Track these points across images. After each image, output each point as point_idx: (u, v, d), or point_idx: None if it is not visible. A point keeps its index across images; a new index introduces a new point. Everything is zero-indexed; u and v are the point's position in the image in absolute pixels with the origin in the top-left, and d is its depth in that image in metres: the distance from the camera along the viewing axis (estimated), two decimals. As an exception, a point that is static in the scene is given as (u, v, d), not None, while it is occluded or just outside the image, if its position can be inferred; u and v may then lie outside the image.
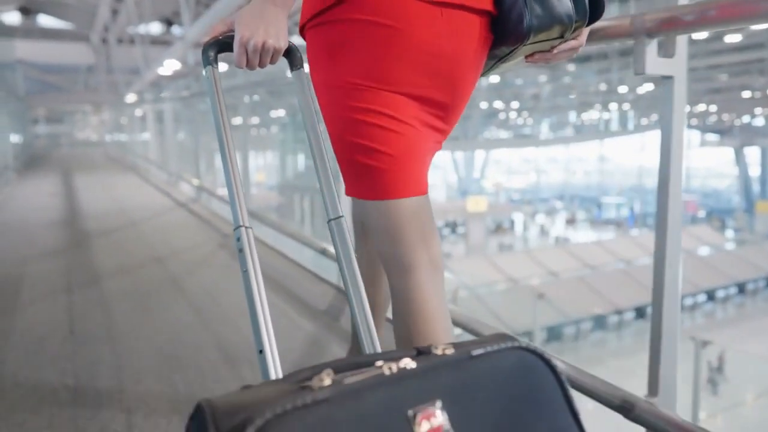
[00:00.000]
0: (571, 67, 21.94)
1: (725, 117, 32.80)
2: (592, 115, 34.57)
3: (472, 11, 0.96)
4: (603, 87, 25.48)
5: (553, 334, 17.34)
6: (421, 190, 1.01)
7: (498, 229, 30.35)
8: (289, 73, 1.07)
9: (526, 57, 1.07)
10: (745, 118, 32.67)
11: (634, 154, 38.63)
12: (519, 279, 20.16)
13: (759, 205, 29.40)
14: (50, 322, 2.29)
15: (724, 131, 35.05)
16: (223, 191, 5.26)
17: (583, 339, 17.87)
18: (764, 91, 24.10)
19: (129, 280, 2.97)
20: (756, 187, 34.02)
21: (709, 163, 38.82)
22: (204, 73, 0.99)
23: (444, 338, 0.97)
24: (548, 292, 17.65)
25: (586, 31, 1.05)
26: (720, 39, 15.91)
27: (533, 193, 39.22)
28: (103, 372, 1.81)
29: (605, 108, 30.99)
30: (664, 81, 1.12)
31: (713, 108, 30.41)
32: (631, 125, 33.68)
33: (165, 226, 4.71)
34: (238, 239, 0.87)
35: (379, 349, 0.90)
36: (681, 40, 1.10)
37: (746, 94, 24.97)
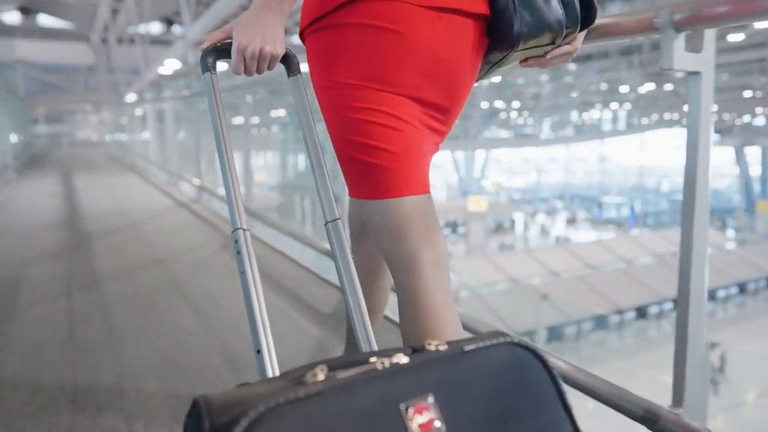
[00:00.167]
0: (572, 66, 21.89)
1: (726, 116, 32.75)
2: (592, 114, 34.53)
3: (469, 15, 0.98)
4: (604, 86, 25.45)
5: (554, 333, 17.31)
6: (424, 188, 1.01)
7: (498, 228, 30.31)
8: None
9: (521, 61, 1.08)
10: (746, 118, 32.63)
11: (635, 154, 38.58)
12: (520, 279, 20.12)
13: (760, 205, 29.34)
14: (49, 326, 2.26)
15: (724, 131, 35.00)
16: (224, 191, 5.19)
17: (584, 339, 17.83)
18: (765, 90, 24.07)
19: (130, 283, 2.93)
20: (757, 187, 33.97)
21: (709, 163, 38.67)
22: (203, 79, 1.01)
23: (452, 332, 0.97)
24: (549, 291, 17.63)
25: (581, 35, 1.06)
26: (722, 38, 15.87)
27: (533, 193, 39.17)
28: (104, 378, 1.78)
29: (606, 107, 30.95)
30: (690, 77, 1.07)
31: (714, 107, 30.33)
32: (632, 125, 33.66)
33: (166, 227, 4.66)
34: (236, 241, 0.89)
35: (375, 349, 0.91)
36: (708, 34, 1.05)
37: (747, 93, 24.92)
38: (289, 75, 1.05)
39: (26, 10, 21.42)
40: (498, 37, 1.00)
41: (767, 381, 14.80)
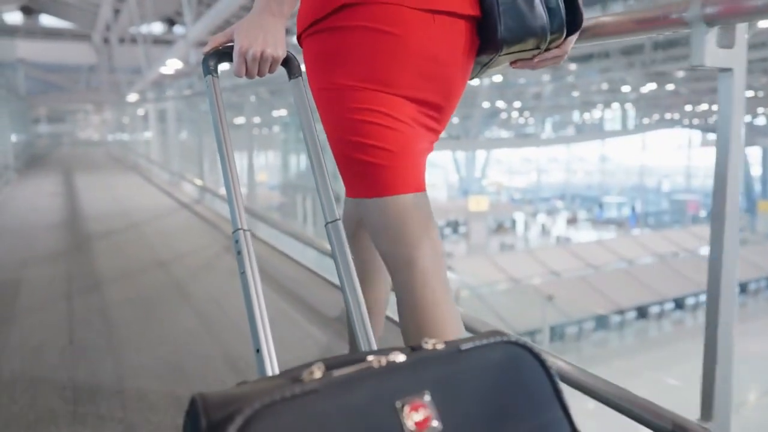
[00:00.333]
0: (573, 66, 21.86)
1: (727, 116, 32.67)
2: (594, 114, 34.49)
3: (461, 17, 1.00)
4: (605, 86, 25.41)
5: (556, 333, 17.28)
6: (420, 186, 1.03)
7: (499, 228, 30.28)
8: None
9: (510, 63, 1.10)
10: (747, 118, 32.56)
11: (636, 154, 38.54)
12: (521, 279, 20.09)
13: (760, 205, 29.30)
14: (49, 331, 2.21)
15: (726, 131, 34.92)
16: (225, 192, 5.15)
17: (585, 339, 17.80)
18: (766, 90, 24.02)
19: (131, 286, 2.88)
20: (757, 187, 33.92)
21: (709, 163, 38.62)
22: (205, 82, 1.02)
23: (452, 328, 0.98)
24: (550, 291, 17.60)
25: (570, 39, 1.07)
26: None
27: (534, 193, 39.15)
28: (104, 385, 1.73)
29: (607, 107, 30.91)
30: (721, 75, 1.02)
31: (715, 107, 30.31)
32: (633, 125, 33.59)
33: (168, 229, 4.61)
34: (236, 242, 0.90)
35: (375, 348, 0.91)
36: (740, 29, 1.00)
37: (748, 93, 24.86)
38: (290, 77, 1.06)
39: (28, 10, 21.42)
40: (485, 40, 1.03)
41: (768, 381, 14.78)
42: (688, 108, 30.90)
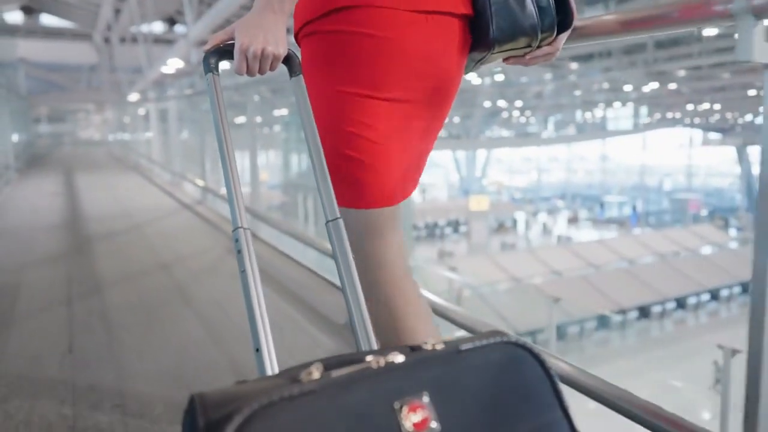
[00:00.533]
0: (574, 65, 21.81)
1: (728, 115, 32.65)
2: (595, 113, 34.44)
3: (454, 16, 1.02)
4: (606, 85, 25.35)
5: (557, 333, 17.25)
6: (389, 201, 1.07)
7: (500, 228, 30.24)
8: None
9: (503, 59, 1.13)
10: (748, 117, 32.53)
11: (637, 153, 38.49)
12: (522, 278, 20.05)
13: (763, 204, 29.23)
14: (48, 338, 2.15)
15: (726, 130, 34.91)
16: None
17: (587, 338, 17.77)
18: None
19: (132, 290, 2.83)
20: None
21: (711, 162, 38.67)
22: (205, 80, 1.02)
23: (426, 324, 1.03)
24: (551, 291, 17.56)
25: (561, 37, 1.09)
26: (729, 36, 15.77)
27: (535, 192, 39.11)
28: (105, 398, 1.66)
29: (609, 106, 30.85)
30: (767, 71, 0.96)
31: (717, 106, 30.27)
32: (642, 123, 33.49)
33: (170, 230, 4.56)
34: (236, 240, 0.89)
35: (375, 347, 0.91)
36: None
37: (752, 92, 24.80)
38: (291, 75, 1.05)
39: (29, 10, 21.38)
40: (477, 38, 1.05)
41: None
42: (690, 107, 30.81)
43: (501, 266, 20.95)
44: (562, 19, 1.06)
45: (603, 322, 18.20)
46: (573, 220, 32.87)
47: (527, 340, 0.62)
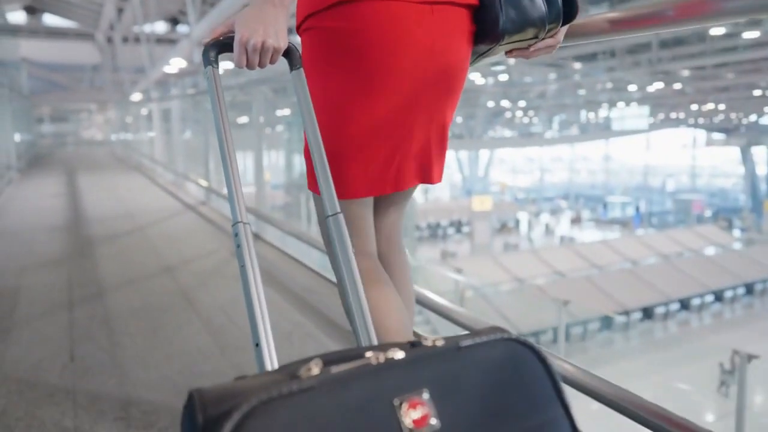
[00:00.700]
0: (578, 65, 21.74)
1: (732, 116, 32.53)
2: (598, 113, 34.34)
3: (460, 6, 1.03)
4: (609, 85, 25.26)
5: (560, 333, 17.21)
6: (361, 194, 1.10)
7: (503, 228, 30.19)
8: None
9: (506, 52, 1.14)
10: (752, 117, 32.42)
11: (640, 153, 38.39)
12: (525, 279, 20.00)
13: (766, 205, 29.15)
14: (48, 346, 2.09)
15: (730, 130, 34.80)
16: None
17: (590, 339, 17.72)
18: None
19: (136, 294, 2.77)
20: (763, 187, 33.75)
21: (714, 162, 38.56)
22: (205, 73, 1.01)
23: (396, 322, 1.05)
24: (554, 291, 17.51)
25: (563, 29, 1.10)
26: (736, 36, 15.69)
27: (538, 193, 39.04)
28: (108, 410, 1.61)
29: (613, 106, 30.75)
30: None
31: (722, 107, 30.16)
32: (640, 124, 33.39)
33: (173, 232, 4.52)
34: (236, 235, 0.89)
35: (375, 343, 0.91)
36: None
37: (757, 92, 24.70)
38: (291, 69, 1.05)
39: (32, 10, 21.40)
40: (484, 31, 1.05)
41: (775, 383, 14.65)
42: (694, 107, 30.71)
43: (504, 267, 20.91)
44: (567, 11, 1.07)
45: (606, 323, 18.16)
46: (576, 221, 32.81)
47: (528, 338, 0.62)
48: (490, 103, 29.21)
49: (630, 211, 34.67)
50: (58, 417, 1.57)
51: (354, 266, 0.95)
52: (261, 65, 0.97)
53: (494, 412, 0.57)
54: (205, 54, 1.00)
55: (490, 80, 23.51)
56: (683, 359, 15.19)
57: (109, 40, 21.83)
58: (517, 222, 31.73)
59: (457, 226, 29.05)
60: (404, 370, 0.55)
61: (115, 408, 1.62)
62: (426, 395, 0.54)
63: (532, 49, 1.11)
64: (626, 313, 18.36)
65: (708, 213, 32.64)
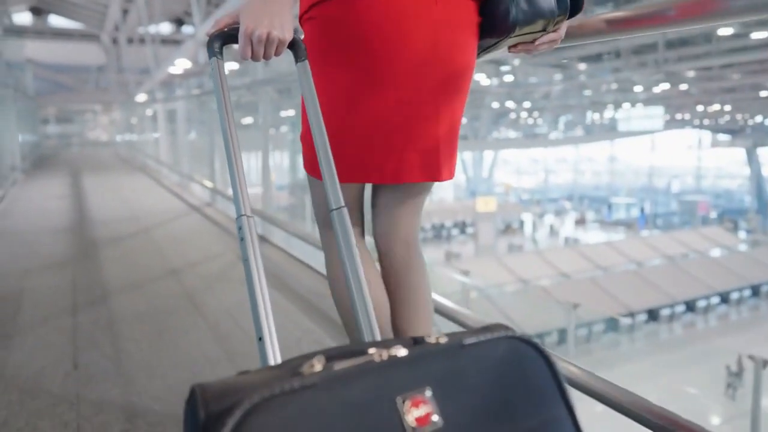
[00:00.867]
0: (583, 66, 21.68)
1: (738, 117, 32.41)
2: (604, 114, 34.24)
3: None
4: (614, 86, 25.20)
5: (565, 336, 17.15)
6: (358, 179, 1.14)
7: (507, 229, 30.14)
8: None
9: (509, 47, 1.13)
10: (758, 118, 32.29)
11: (645, 154, 38.28)
12: (529, 280, 19.96)
13: (772, 206, 29.06)
14: (51, 353, 2.04)
15: (735, 131, 34.67)
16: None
17: (595, 341, 17.67)
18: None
19: (141, 298, 2.72)
20: (768, 188, 33.62)
21: (720, 163, 38.43)
22: (210, 63, 1.00)
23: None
24: (559, 293, 17.46)
25: (564, 25, 1.10)
26: (744, 36, 15.61)
27: (542, 194, 38.97)
28: (112, 421, 1.56)
29: (618, 107, 30.64)
30: None
31: (727, 108, 30.05)
32: (653, 125, 33.23)
33: (178, 234, 4.48)
34: (240, 228, 0.88)
35: (378, 338, 0.90)
36: None
37: (763, 93, 24.59)
38: (296, 61, 1.04)
39: (37, 11, 21.48)
40: (493, 23, 1.05)
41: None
42: (700, 108, 30.59)
43: (508, 268, 20.88)
44: (573, 3, 1.07)
45: (611, 324, 18.11)
46: (580, 222, 32.73)
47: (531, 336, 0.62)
48: (495, 104, 29.16)
49: (635, 213, 34.57)
50: (61, 429, 1.53)
51: (357, 260, 0.94)
52: (266, 57, 0.96)
53: (497, 410, 0.57)
54: (209, 45, 0.99)
55: (495, 81, 23.47)
56: (689, 361, 15.11)
57: (114, 41, 21.89)
58: (522, 223, 31.67)
59: (461, 227, 29.02)
60: (407, 368, 0.55)
61: (120, 419, 1.57)
62: (429, 393, 0.54)
63: (537, 42, 1.10)
64: (631, 314, 18.31)
65: (713, 214, 32.52)
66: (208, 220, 5.05)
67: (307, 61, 1.03)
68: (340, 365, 0.52)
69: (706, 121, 34.30)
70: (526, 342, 0.61)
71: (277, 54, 0.96)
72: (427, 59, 1.01)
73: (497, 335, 0.60)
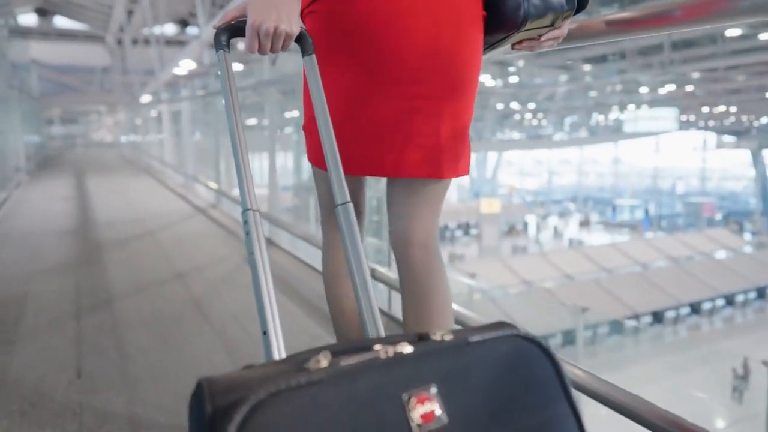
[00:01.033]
0: (587, 67, 21.63)
1: (743, 118, 32.28)
2: (608, 116, 34.14)
3: None
4: (619, 87, 25.13)
5: (569, 338, 17.10)
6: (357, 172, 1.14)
7: (511, 230, 30.07)
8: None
9: (514, 44, 1.12)
10: (764, 119, 32.15)
11: (649, 156, 38.16)
12: (533, 281, 19.91)
13: (778, 208, 28.96)
14: (54, 360, 1.99)
15: (741, 133, 34.54)
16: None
17: (599, 343, 17.61)
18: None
19: (146, 302, 2.68)
20: (774, 190, 33.48)
21: (725, 165, 38.28)
22: (217, 57, 1.00)
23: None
24: (563, 295, 17.40)
25: (567, 22, 1.10)
26: (752, 37, 15.55)
27: (546, 195, 38.88)
28: (117, 431, 1.52)
29: (623, 109, 30.55)
30: None
31: (733, 109, 29.94)
32: (657, 126, 33.13)
33: (184, 236, 4.45)
34: (246, 222, 0.87)
35: (382, 334, 0.90)
36: None
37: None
38: (303, 54, 1.04)
39: (42, 12, 21.56)
40: (502, 18, 1.04)
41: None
42: (705, 110, 30.48)
43: (512, 269, 20.83)
44: (579, 1, 1.07)
45: (616, 327, 18.04)
46: (584, 224, 32.64)
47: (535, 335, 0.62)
48: (500, 105, 29.11)
49: (639, 214, 34.46)
50: None
51: (362, 257, 0.93)
52: (273, 50, 0.95)
53: (501, 408, 0.57)
54: (216, 38, 0.99)
55: (500, 82, 23.43)
56: (694, 364, 15.05)
57: (119, 42, 21.95)
58: (526, 224, 31.61)
59: (465, 228, 28.97)
60: (412, 365, 0.55)
61: (124, 430, 1.53)
62: (434, 390, 0.54)
63: (542, 39, 1.10)
64: (636, 317, 18.24)
65: (718, 216, 32.40)
66: (213, 222, 5.02)
67: (314, 55, 1.02)
68: (346, 361, 0.52)
69: (711, 123, 34.18)
70: (531, 341, 0.61)
71: (284, 48, 0.95)
72: (429, 53, 1.01)
73: (502, 333, 0.60)
